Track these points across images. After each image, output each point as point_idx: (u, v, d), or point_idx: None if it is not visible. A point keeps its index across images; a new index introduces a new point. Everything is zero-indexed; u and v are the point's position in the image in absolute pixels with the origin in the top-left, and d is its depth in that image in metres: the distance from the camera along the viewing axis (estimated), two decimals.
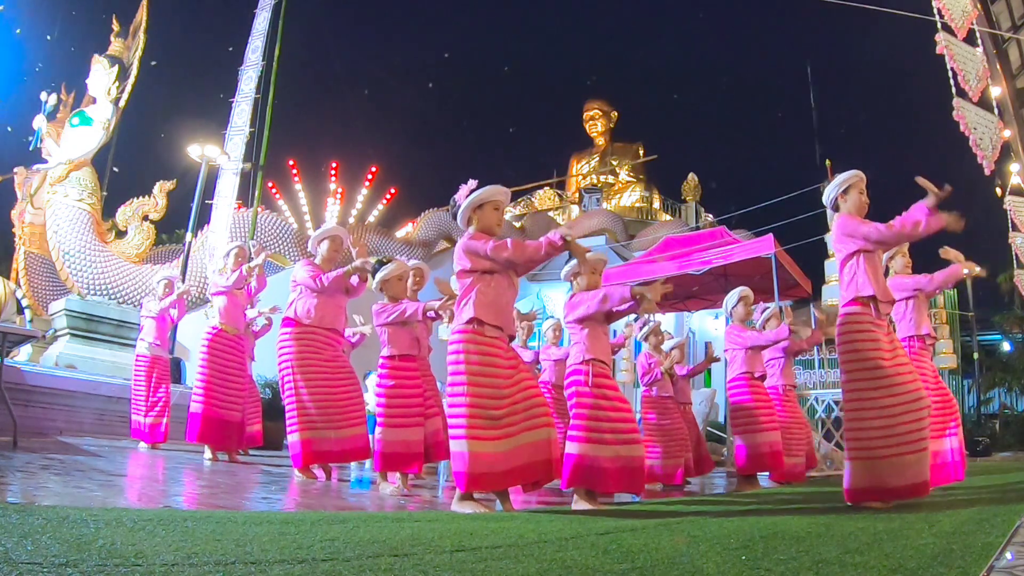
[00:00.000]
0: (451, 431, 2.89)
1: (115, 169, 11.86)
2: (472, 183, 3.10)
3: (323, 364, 4.39)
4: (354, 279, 4.46)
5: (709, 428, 9.83)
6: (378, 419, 3.86)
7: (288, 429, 4.36)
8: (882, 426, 3.03)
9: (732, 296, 5.36)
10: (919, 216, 3.04)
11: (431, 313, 3.77)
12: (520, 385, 2.97)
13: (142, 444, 6.14)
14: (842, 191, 3.38)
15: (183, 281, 7.85)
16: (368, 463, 5.31)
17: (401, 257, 4.23)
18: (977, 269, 4.47)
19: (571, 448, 3.22)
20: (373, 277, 4.03)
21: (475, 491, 2.87)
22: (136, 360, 6.36)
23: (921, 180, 3.08)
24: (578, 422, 3.25)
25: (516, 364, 3.02)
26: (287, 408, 4.38)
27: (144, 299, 6.89)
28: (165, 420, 6.17)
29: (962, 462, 4.35)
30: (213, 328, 5.49)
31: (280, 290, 6.38)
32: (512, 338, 3.09)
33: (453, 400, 2.88)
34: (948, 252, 4.49)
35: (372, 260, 4.25)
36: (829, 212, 3.56)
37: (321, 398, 4.33)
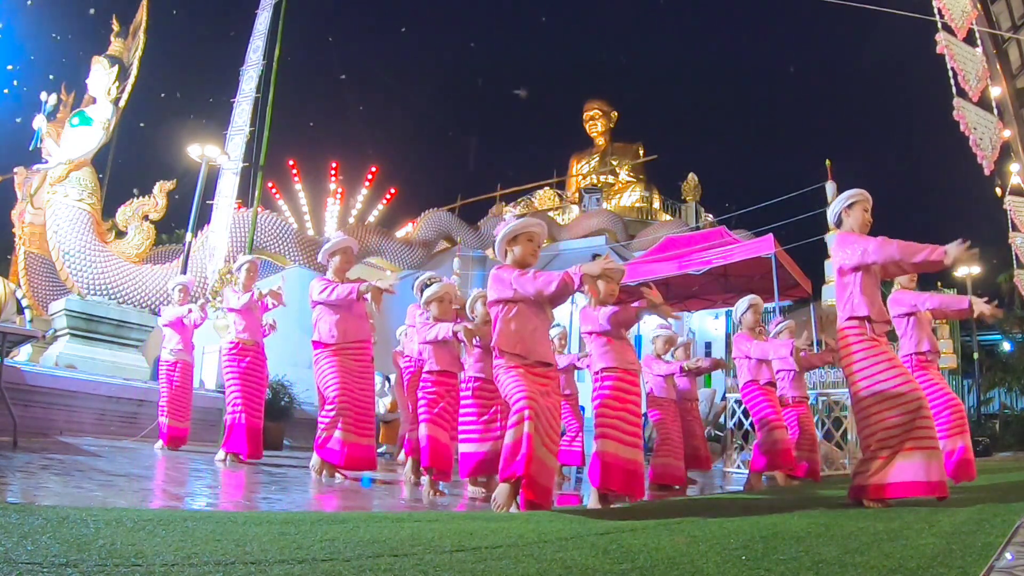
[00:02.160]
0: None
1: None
2: (509, 217, 3.19)
3: (354, 378, 4.58)
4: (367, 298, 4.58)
5: (708, 428, 9.84)
6: (422, 418, 4.00)
7: (327, 432, 4.47)
8: (890, 425, 3.05)
9: (742, 303, 5.36)
10: (928, 248, 3.00)
11: (459, 335, 3.85)
12: (553, 412, 2.99)
13: (158, 444, 6.18)
14: (847, 205, 3.38)
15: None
16: None
17: (443, 276, 4.39)
18: (988, 309, 4.29)
19: (595, 447, 3.30)
20: (423, 294, 4.21)
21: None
22: (159, 364, 6.46)
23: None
24: (599, 428, 3.34)
25: (550, 388, 3.03)
26: (328, 412, 4.49)
27: (162, 308, 6.98)
28: (184, 424, 6.26)
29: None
30: (232, 343, 5.51)
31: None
32: (544, 364, 3.05)
33: (516, 414, 2.91)
34: (976, 303, 4.39)
35: (391, 280, 4.51)
36: (832, 227, 3.59)
37: (356, 407, 4.55)
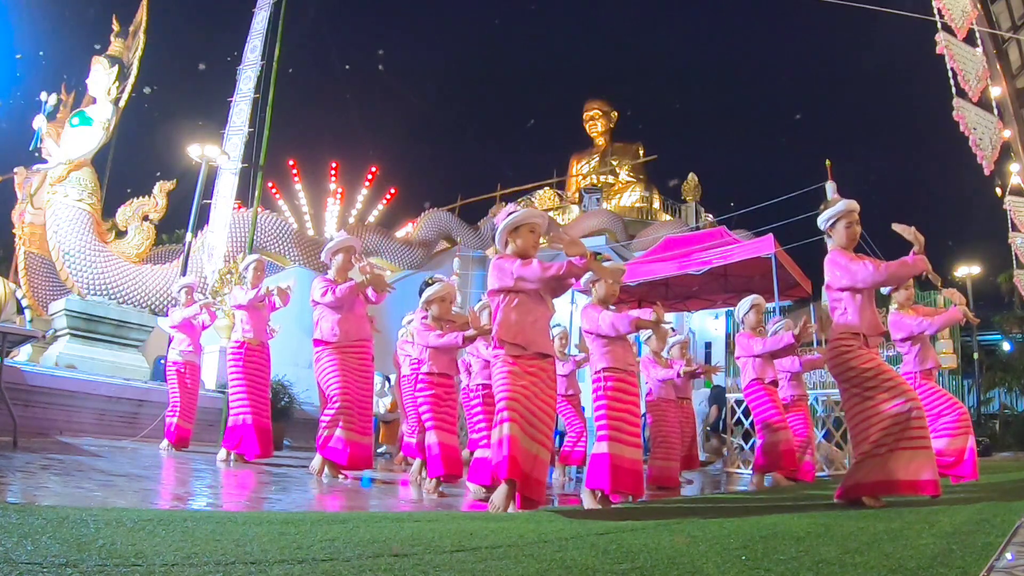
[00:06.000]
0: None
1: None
2: (510, 207, 3.23)
3: (355, 376, 4.60)
4: (370, 292, 4.63)
5: (708, 429, 9.82)
6: (429, 424, 3.98)
7: (328, 431, 4.48)
8: (881, 424, 3.09)
9: (744, 303, 5.38)
10: (907, 259, 3.21)
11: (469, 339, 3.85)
12: (547, 406, 2.97)
13: (164, 443, 6.18)
14: (829, 225, 3.39)
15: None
16: None
17: (440, 274, 4.36)
18: (972, 316, 4.77)
19: (600, 448, 3.29)
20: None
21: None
22: (168, 366, 6.46)
23: (897, 228, 3.27)
24: (601, 423, 3.34)
25: (545, 382, 2.99)
26: (330, 411, 4.50)
27: (170, 310, 6.96)
28: (190, 425, 6.27)
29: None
30: (237, 342, 5.51)
31: None
32: (545, 356, 3.02)
33: (499, 414, 2.91)
34: (952, 294, 4.63)
35: (376, 270, 4.51)
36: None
37: (357, 406, 4.57)
